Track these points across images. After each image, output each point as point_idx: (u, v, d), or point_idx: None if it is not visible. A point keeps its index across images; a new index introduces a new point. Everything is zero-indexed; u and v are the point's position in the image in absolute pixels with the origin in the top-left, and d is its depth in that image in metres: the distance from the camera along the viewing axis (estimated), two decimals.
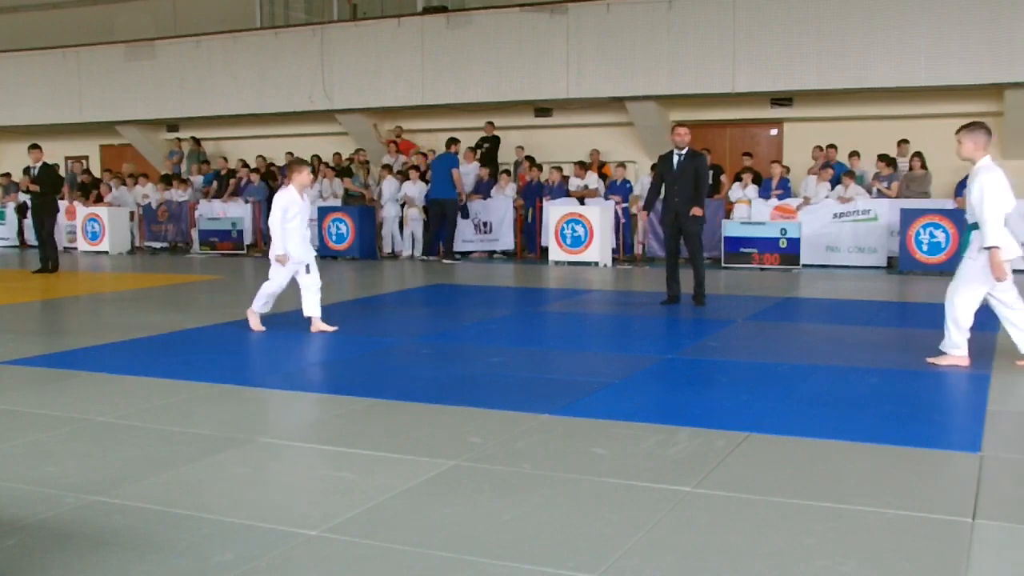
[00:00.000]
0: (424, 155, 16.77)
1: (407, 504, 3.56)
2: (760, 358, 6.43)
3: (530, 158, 16.22)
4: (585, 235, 13.96)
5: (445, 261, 14.68)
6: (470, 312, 9.29)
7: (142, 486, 3.79)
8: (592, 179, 15.50)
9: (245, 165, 17.92)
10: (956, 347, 6.14)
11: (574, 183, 15.46)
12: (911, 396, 5.36)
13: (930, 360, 6.21)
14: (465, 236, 15.85)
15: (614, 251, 14.73)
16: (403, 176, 16.02)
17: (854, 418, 4.80)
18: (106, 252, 17.26)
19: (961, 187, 13.28)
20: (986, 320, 8.35)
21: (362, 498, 3.61)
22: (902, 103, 14.67)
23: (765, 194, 14.18)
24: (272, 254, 7.90)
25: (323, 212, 15.72)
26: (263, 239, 16.79)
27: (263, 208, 16.67)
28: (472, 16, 16.78)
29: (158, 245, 18.26)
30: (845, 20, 14.25)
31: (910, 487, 3.73)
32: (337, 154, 17.94)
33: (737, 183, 14.54)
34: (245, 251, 16.72)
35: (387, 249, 16.26)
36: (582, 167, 15.62)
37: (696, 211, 9.17)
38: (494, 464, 4.06)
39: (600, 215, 14.03)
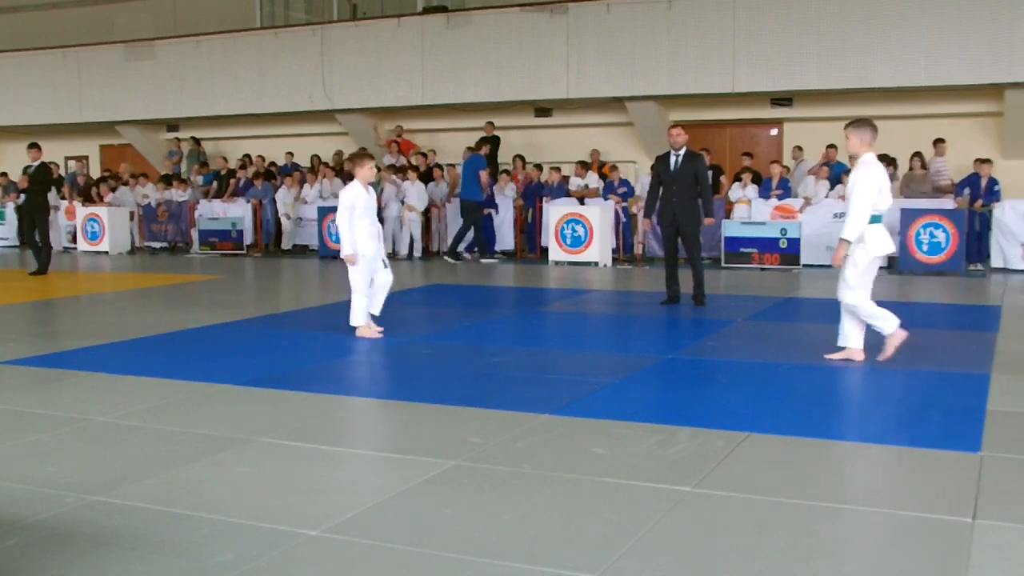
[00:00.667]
0: (424, 155, 16.77)
1: (407, 504, 3.56)
2: (760, 358, 6.43)
3: (520, 156, 16.22)
4: (585, 235, 13.96)
5: (484, 261, 14.65)
6: (470, 312, 9.29)
7: (142, 486, 3.79)
8: (592, 179, 15.50)
9: (244, 166, 17.90)
10: (859, 339, 6.26)
11: (574, 183, 15.46)
12: (911, 396, 5.36)
13: (827, 356, 6.30)
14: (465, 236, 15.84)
15: (614, 251, 14.73)
16: (403, 176, 16.00)
17: (854, 418, 4.80)
18: (106, 252, 17.26)
19: (961, 187, 13.30)
20: (986, 320, 8.36)
21: (362, 498, 3.61)
22: (902, 103, 14.67)
23: (765, 194, 14.18)
24: (343, 254, 7.44)
25: (323, 212, 15.72)
26: (263, 239, 16.81)
27: (265, 208, 16.67)
28: (472, 16, 16.78)
29: (158, 245, 18.25)
30: (845, 20, 14.25)
31: (910, 487, 3.73)
32: (339, 152, 17.94)
33: (737, 183, 14.54)
34: (245, 251, 16.71)
35: (388, 249, 16.23)
36: (582, 167, 15.62)
37: (708, 221, 9.18)
38: (494, 464, 4.06)
39: (600, 215, 14.02)
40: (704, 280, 9.30)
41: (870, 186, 6.03)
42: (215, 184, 18.02)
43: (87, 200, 18.09)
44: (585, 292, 10.86)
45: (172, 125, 20.15)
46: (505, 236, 15.62)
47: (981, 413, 4.85)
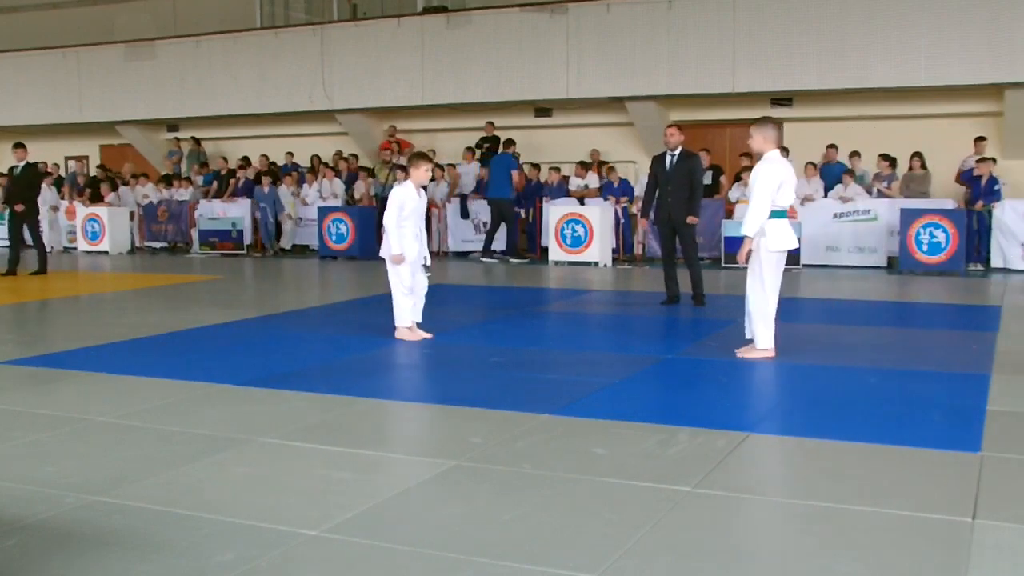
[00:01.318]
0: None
1: (407, 504, 3.56)
2: (758, 359, 6.42)
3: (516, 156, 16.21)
4: (585, 235, 13.96)
5: (513, 261, 14.62)
6: (470, 312, 9.29)
7: (142, 486, 3.79)
8: (592, 179, 15.50)
9: (243, 167, 17.90)
10: (765, 340, 6.33)
11: (574, 183, 15.46)
12: (911, 396, 5.36)
13: (739, 352, 6.38)
14: (465, 236, 15.85)
15: (614, 251, 14.73)
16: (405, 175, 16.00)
17: (854, 418, 4.80)
18: (106, 252, 17.26)
19: (964, 176, 13.31)
20: (986, 320, 8.36)
21: (362, 498, 3.61)
22: (902, 103, 14.67)
23: None
24: (386, 253, 7.30)
25: (323, 212, 15.73)
26: (263, 239, 16.79)
27: (265, 211, 16.63)
28: (472, 16, 16.78)
29: (158, 245, 18.26)
30: (845, 20, 14.25)
31: (910, 487, 3.73)
32: (339, 152, 17.94)
33: (737, 183, 14.54)
34: (245, 251, 16.72)
35: None
36: (582, 167, 15.62)
37: (691, 219, 9.14)
38: (494, 464, 4.06)
39: (600, 215, 14.02)
40: (702, 280, 9.29)
41: (771, 181, 6.16)
42: (215, 184, 18.02)
43: (95, 199, 18.00)
44: (585, 292, 10.86)
45: (172, 125, 20.15)
46: (505, 236, 15.61)
47: (981, 413, 4.85)
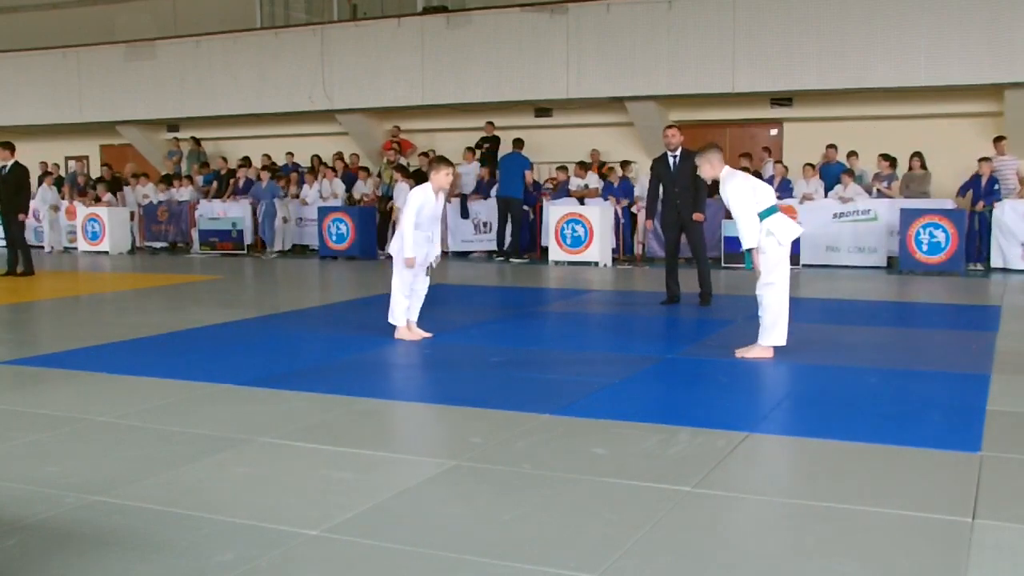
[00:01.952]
0: (426, 155, 16.77)
1: (407, 504, 3.56)
2: (760, 359, 6.42)
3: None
4: (585, 235, 13.96)
5: (513, 260, 14.63)
6: (470, 312, 9.28)
7: (142, 486, 3.79)
8: (592, 179, 15.50)
9: (243, 165, 17.91)
10: (779, 335, 6.40)
11: (574, 183, 15.47)
12: (911, 396, 5.36)
13: (738, 352, 6.43)
14: (465, 236, 15.85)
15: (614, 251, 14.73)
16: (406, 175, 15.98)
17: (854, 418, 4.80)
18: (106, 252, 17.26)
19: (964, 189, 13.30)
20: (985, 320, 8.36)
21: (362, 498, 3.61)
22: (902, 103, 14.67)
23: None
24: (396, 253, 7.26)
25: (323, 212, 15.73)
26: (263, 240, 16.79)
27: (266, 208, 16.62)
28: (472, 16, 16.78)
29: (158, 245, 18.26)
30: (845, 20, 14.25)
31: (910, 487, 3.73)
32: (339, 153, 17.94)
33: None
34: (245, 251, 16.71)
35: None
36: (582, 167, 15.62)
37: (698, 216, 9.18)
38: (494, 464, 4.06)
39: (600, 215, 14.02)
40: (710, 279, 9.29)
41: (743, 192, 6.27)
42: (215, 184, 18.02)
43: (115, 190, 17.98)
44: (585, 292, 10.86)
45: (172, 125, 20.15)
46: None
47: (981, 413, 4.85)
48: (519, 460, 4.12)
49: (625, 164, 15.64)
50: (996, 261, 12.82)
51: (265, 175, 16.70)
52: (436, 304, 10.17)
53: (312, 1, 20.14)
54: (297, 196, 17.02)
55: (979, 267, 13.02)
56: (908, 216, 12.57)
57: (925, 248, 12.46)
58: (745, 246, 6.29)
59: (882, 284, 11.56)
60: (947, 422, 4.76)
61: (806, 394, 5.47)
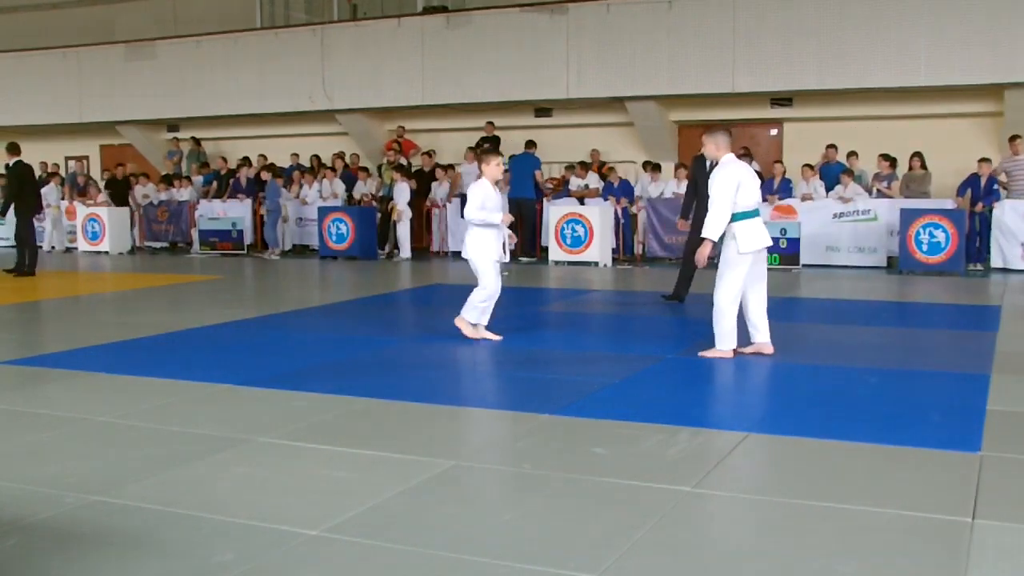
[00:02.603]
0: (428, 154, 16.77)
1: (407, 504, 3.56)
2: (760, 358, 6.43)
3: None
4: (585, 235, 13.96)
5: (522, 259, 14.62)
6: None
7: (142, 486, 3.79)
8: (592, 179, 15.50)
9: (243, 165, 17.89)
10: (721, 341, 6.32)
11: (574, 183, 15.47)
12: (911, 396, 5.36)
13: (701, 353, 6.40)
14: (465, 236, 15.81)
15: (614, 251, 14.73)
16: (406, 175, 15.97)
17: (854, 418, 4.80)
18: (106, 252, 17.26)
19: (963, 188, 13.29)
20: (986, 320, 8.36)
21: (362, 498, 3.61)
22: (902, 103, 14.67)
23: (766, 193, 14.17)
24: (476, 253, 7.18)
25: (323, 212, 15.72)
26: (262, 239, 16.78)
27: (267, 207, 16.60)
28: (472, 16, 16.78)
29: (158, 245, 18.26)
30: (845, 20, 14.25)
31: (910, 487, 3.73)
32: (354, 154, 17.94)
33: None
34: (245, 251, 16.71)
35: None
36: (582, 167, 15.61)
37: None
38: (494, 464, 4.06)
39: (600, 215, 14.02)
40: (688, 285, 9.30)
41: (728, 184, 6.20)
42: (215, 184, 18.01)
43: (119, 199, 17.94)
44: (585, 292, 10.86)
45: (172, 125, 20.14)
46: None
47: (981, 413, 4.85)
48: (519, 460, 4.12)
49: (611, 170, 15.48)
50: (996, 261, 12.82)
51: (267, 175, 16.66)
52: (436, 304, 10.18)
53: (312, 1, 20.14)
54: (297, 196, 17.01)
55: (979, 267, 13.02)
56: (908, 216, 12.57)
57: (925, 248, 12.46)
58: (704, 234, 6.27)
59: (882, 284, 11.56)
60: (947, 422, 4.76)
61: (806, 394, 5.47)
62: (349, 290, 11.56)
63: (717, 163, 9.03)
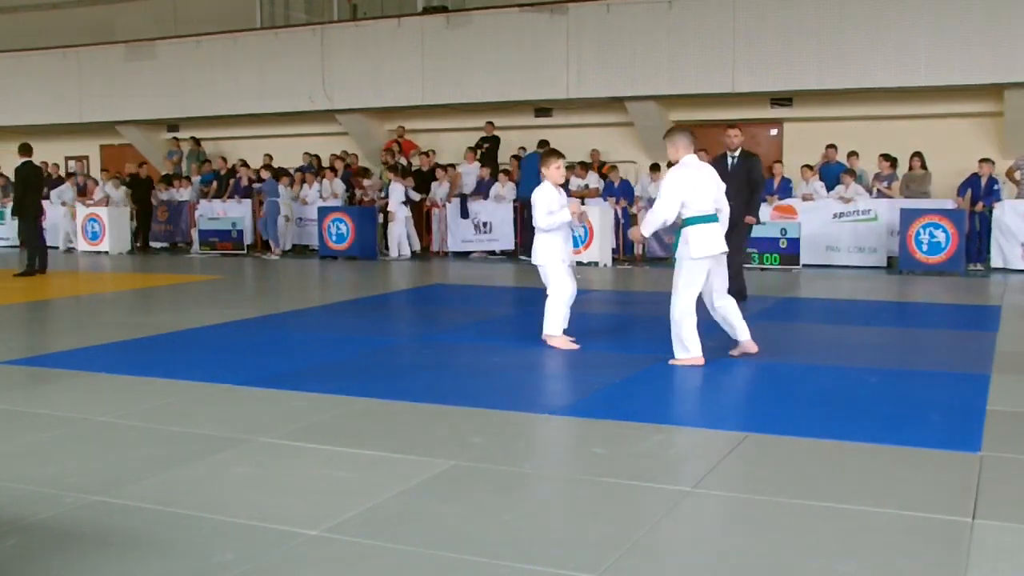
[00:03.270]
0: (427, 155, 16.77)
1: (407, 504, 3.56)
2: (760, 358, 6.43)
3: (516, 157, 16.20)
4: (585, 235, 13.96)
5: (523, 257, 14.64)
6: (470, 312, 9.28)
7: (142, 486, 3.79)
8: (592, 179, 15.50)
9: (244, 164, 17.90)
10: (684, 349, 6.17)
11: (574, 183, 15.46)
12: (911, 396, 5.36)
13: (671, 361, 6.20)
14: (465, 236, 15.85)
15: (614, 251, 14.73)
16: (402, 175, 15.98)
17: (854, 418, 4.80)
18: (106, 252, 17.25)
19: (964, 188, 13.29)
20: (986, 319, 8.36)
21: (362, 498, 3.61)
22: (902, 103, 14.67)
23: (766, 193, 14.18)
24: (545, 259, 6.89)
25: (323, 212, 15.72)
26: (262, 239, 16.77)
27: (268, 206, 16.58)
28: (472, 16, 16.78)
29: (158, 245, 18.25)
30: (845, 20, 14.25)
31: (910, 487, 3.73)
32: (353, 154, 17.94)
33: None
34: (245, 251, 16.71)
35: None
36: (583, 167, 15.61)
37: (749, 219, 9.16)
38: (494, 464, 4.06)
39: (600, 215, 14.02)
40: (743, 277, 9.24)
41: (676, 185, 6.11)
42: (215, 184, 18.01)
43: (140, 200, 17.96)
44: (585, 292, 10.84)
45: (172, 125, 20.15)
46: (505, 236, 15.61)
47: (981, 413, 4.84)
48: (519, 460, 4.11)
49: (612, 168, 15.53)
50: (996, 261, 12.82)
51: (266, 174, 16.65)
52: (436, 304, 10.19)
53: (312, 1, 20.14)
54: (297, 196, 17.01)
55: (979, 267, 13.01)
56: (908, 216, 12.57)
57: (925, 248, 12.46)
58: (642, 230, 6.29)
59: (882, 284, 11.56)
60: (947, 422, 4.76)
61: (806, 394, 5.47)
62: (349, 290, 11.56)
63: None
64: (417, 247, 16.05)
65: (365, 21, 18.09)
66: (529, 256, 13.82)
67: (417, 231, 16.16)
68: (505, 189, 15.58)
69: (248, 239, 16.87)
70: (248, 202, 17.06)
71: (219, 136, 19.92)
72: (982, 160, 13.25)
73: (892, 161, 13.87)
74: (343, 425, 4.73)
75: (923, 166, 13.73)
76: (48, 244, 13.74)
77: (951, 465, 4.01)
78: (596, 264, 13.94)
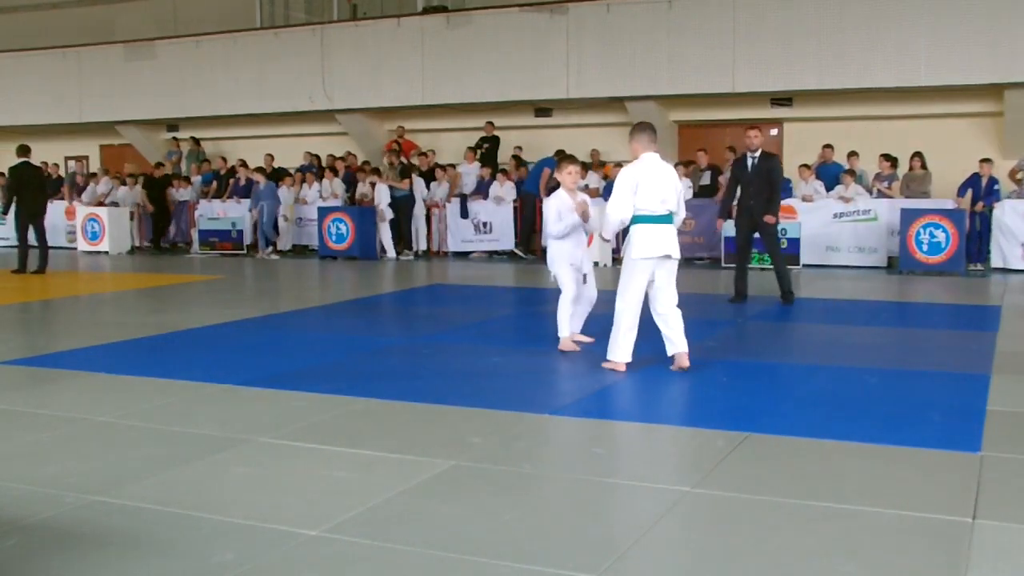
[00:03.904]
0: (425, 155, 16.77)
1: (407, 504, 3.56)
2: (760, 358, 6.43)
3: (516, 158, 16.21)
4: (585, 234, 13.93)
5: (519, 253, 14.69)
6: (470, 312, 9.28)
7: (142, 486, 3.79)
8: (592, 179, 15.50)
9: (244, 164, 17.89)
10: (613, 350, 6.07)
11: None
12: (911, 396, 5.36)
13: (604, 364, 6.10)
14: (465, 236, 15.85)
15: (614, 251, 14.72)
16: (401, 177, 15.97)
17: (854, 418, 4.80)
18: (106, 252, 17.25)
19: (964, 188, 13.29)
20: (985, 319, 8.36)
21: (362, 498, 3.61)
22: (902, 103, 14.67)
23: None
24: (558, 265, 6.90)
25: (323, 212, 15.72)
26: (260, 239, 16.76)
27: (266, 209, 16.58)
28: (472, 16, 16.78)
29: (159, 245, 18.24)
30: (845, 20, 14.25)
31: (910, 487, 3.73)
32: (352, 155, 17.93)
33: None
34: (245, 251, 16.71)
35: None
36: (583, 167, 15.60)
37: (768, 219, 9.19)
38: (494, 464, 4.06)
39: (600, 215, 14.00)
40: (789, 278, 9.36)
41: (624, 184, 5.95)
42: (215, 184, 18.01)
43: (155, 201, 17.95)
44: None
45: (172, 125, 20.15)
46: (505, 236, 15.61)
47: (981, 413, 4.85)
48: (519, 460, 4.11)
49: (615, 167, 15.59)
50: (996, 261, 12.82)
51: (260, 176, 16.67)
52: (436, 303, 10.19)
53: (312, 1, 20.14)
54: (296, 196, 17.01)
55: (979, 267, 13.01)
56: (908, 216, 12.56)
57: (925, 248, 12.46)
58: (602, 234, 6.27)
59: (882, 284, 11.56)
60: (947, 422, 4.76)
61: (806, 394, 5.47)
62: (349, 290, 11.56)
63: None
64: (422, 247, 16.02)
65: (365, 21, 18.09)
66: (522, 250, 13.79)
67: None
68: (505, 189, 15.58)
69: (248, 239, 16.86)
70: (247, 202, 17.04)
71: (219, 136, 19.92)
72: (982, 160, 13.24)
73: (892, 161, 13.87)
74: (343, 425, 4.73)
75: (923, 166, 13.72)
76: (49, 244, 13.75)
77: (951, 465, 4.01)
78: (596, 264, 13.93)
